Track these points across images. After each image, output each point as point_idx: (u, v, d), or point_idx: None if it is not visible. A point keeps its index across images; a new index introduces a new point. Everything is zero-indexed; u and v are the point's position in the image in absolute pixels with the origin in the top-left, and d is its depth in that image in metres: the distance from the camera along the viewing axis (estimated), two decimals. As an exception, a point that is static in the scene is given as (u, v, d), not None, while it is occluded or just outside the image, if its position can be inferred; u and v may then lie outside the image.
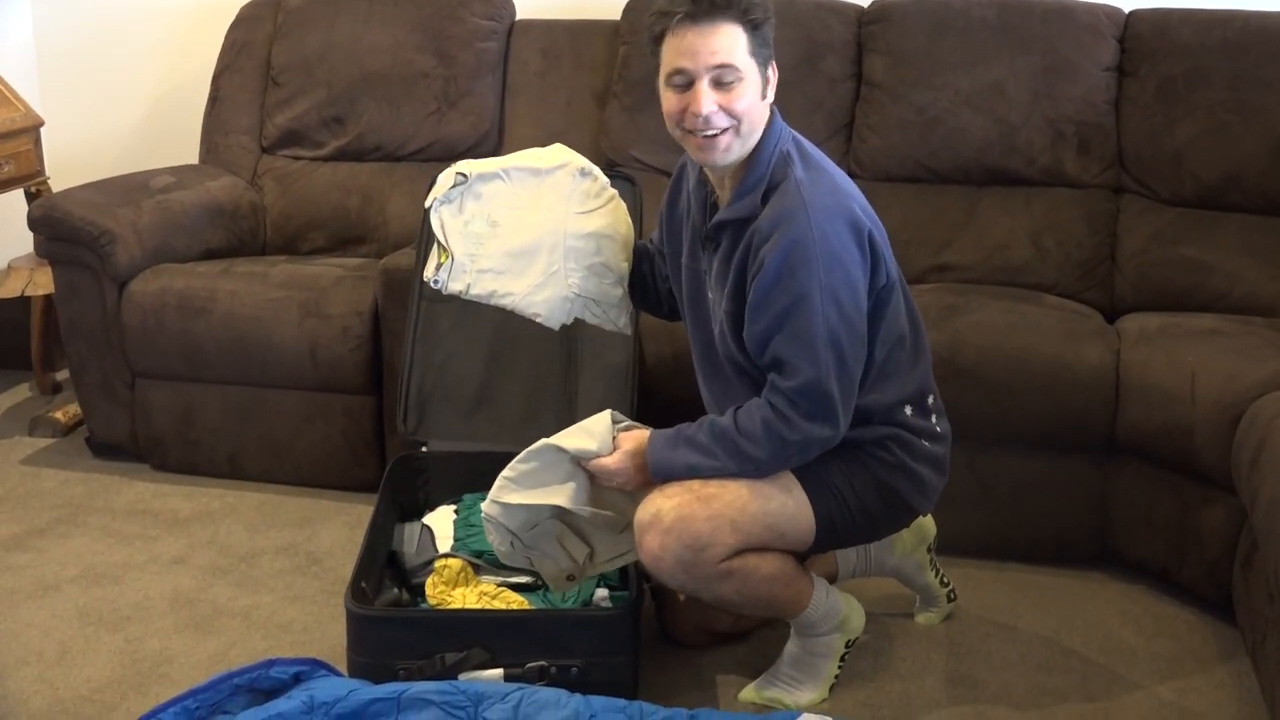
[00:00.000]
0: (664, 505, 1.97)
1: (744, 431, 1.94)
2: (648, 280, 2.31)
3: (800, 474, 2.02)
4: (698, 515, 1.95)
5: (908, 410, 2.06)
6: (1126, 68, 3.05)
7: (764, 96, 1.96)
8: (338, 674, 2.10)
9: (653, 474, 2.01)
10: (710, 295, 2.09)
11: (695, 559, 1.96)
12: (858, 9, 3.25)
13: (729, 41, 1.90)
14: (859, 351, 1.94)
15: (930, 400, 2.11)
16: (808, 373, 1.89)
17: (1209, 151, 2.93)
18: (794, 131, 2.04)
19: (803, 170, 1.96)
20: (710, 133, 1.93)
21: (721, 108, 1.91)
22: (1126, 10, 3.10)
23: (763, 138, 1.99)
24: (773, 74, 1.98)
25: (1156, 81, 2.99)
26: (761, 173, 1.97)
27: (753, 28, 1.91)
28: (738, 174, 2.00)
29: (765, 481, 2.00)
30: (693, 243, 2.12)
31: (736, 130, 1.93)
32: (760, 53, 1.93)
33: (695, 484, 1.99)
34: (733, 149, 1.95)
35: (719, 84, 1.91)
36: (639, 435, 2.06)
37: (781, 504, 2.00)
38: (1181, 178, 2.97)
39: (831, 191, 1.95)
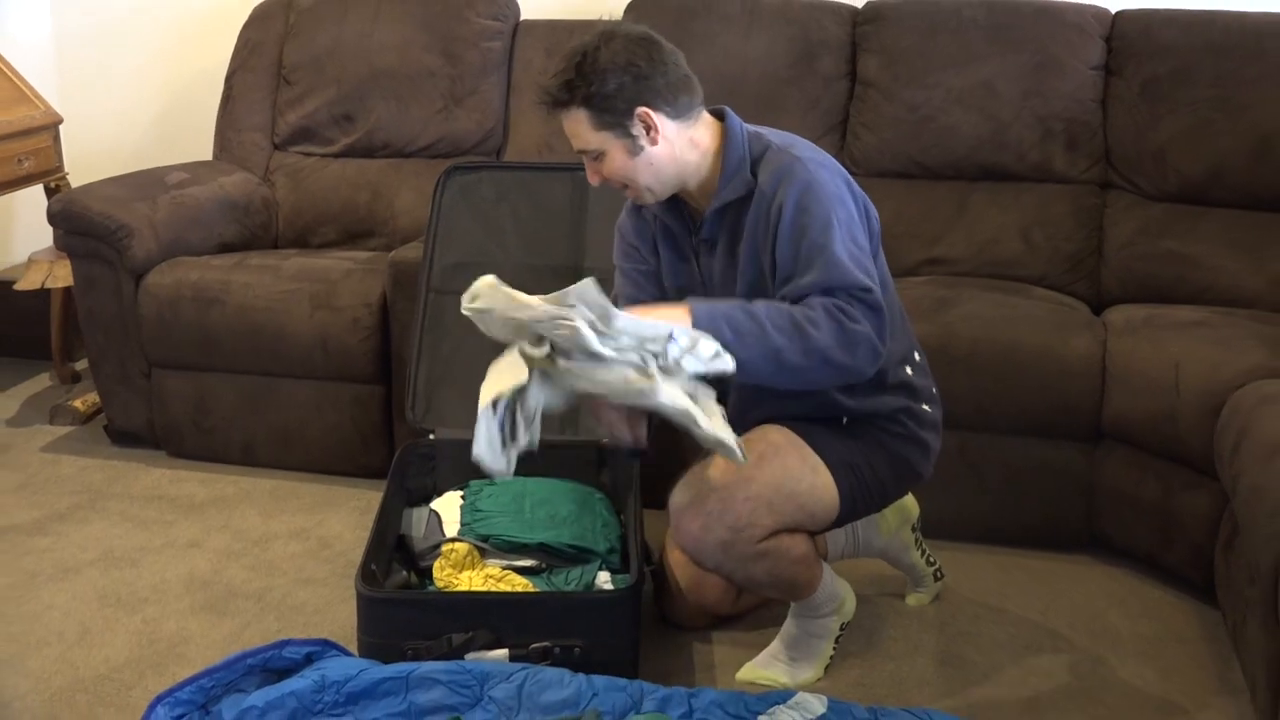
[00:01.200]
0: (705, 489, 1.98)
1: (806, 316, 1.82)
2: None
3: (825, 455, 2.03)
4: (736, 498, 1.96)
5: (908, 370, 2.09)
6: (1113, 66, 3.05)
7: (636, 153, 1.95)
8: (348, 654, 2.11)
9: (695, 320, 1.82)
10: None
11: (735, 539, 1.97)
12: (852, 9, 3.24)
13: (576, 127, 1.95)
14: (875, 280, 1.90)
15: (918, 357, 2.14)
16: (868, 290, 1.84)
17: (1193, 148, 2.92)
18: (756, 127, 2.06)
19: (777, 138, 2.00)
20: (620, 189, 2.03)
21: (603, 177, 2.00)
22: (1113, 11, 3.10)
23: (725, 135, 2.01)
24: (647, 120, 1.92)
25: (1142, 80, 2.99)
26: (740, 156, 1.98)
27: (587, 105, 1.91)
28: (714, 172, 2.01)
29: (793, 463, 2.01)
30: (675, 265, 2.12)
31: (627, 188, 2.01)
32: (611, 120, 1.92)
33: (729, 467, 1.98)
34: (645, 195, 2.02)
35: (592, 158, 1.99)
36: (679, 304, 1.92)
37: (811, 484, 2.01)
38: (1166, 173, 2.96)
39: (810, 147, 2.00)
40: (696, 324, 1.80)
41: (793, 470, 2.01)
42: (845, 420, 2.07)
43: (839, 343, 1.81)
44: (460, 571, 2.27)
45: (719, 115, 2.04)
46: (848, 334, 1.81)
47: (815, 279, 1.86)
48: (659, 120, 1.94)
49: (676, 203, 2.09)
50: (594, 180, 2.02)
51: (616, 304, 2.17)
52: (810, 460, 2.02)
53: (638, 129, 1.94)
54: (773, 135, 2.01)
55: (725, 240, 2.02)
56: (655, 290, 2.16)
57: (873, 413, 2.06)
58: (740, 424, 2.14)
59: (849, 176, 2.00)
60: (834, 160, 2.01)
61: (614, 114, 1.92)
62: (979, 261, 3.02)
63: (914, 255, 3.04)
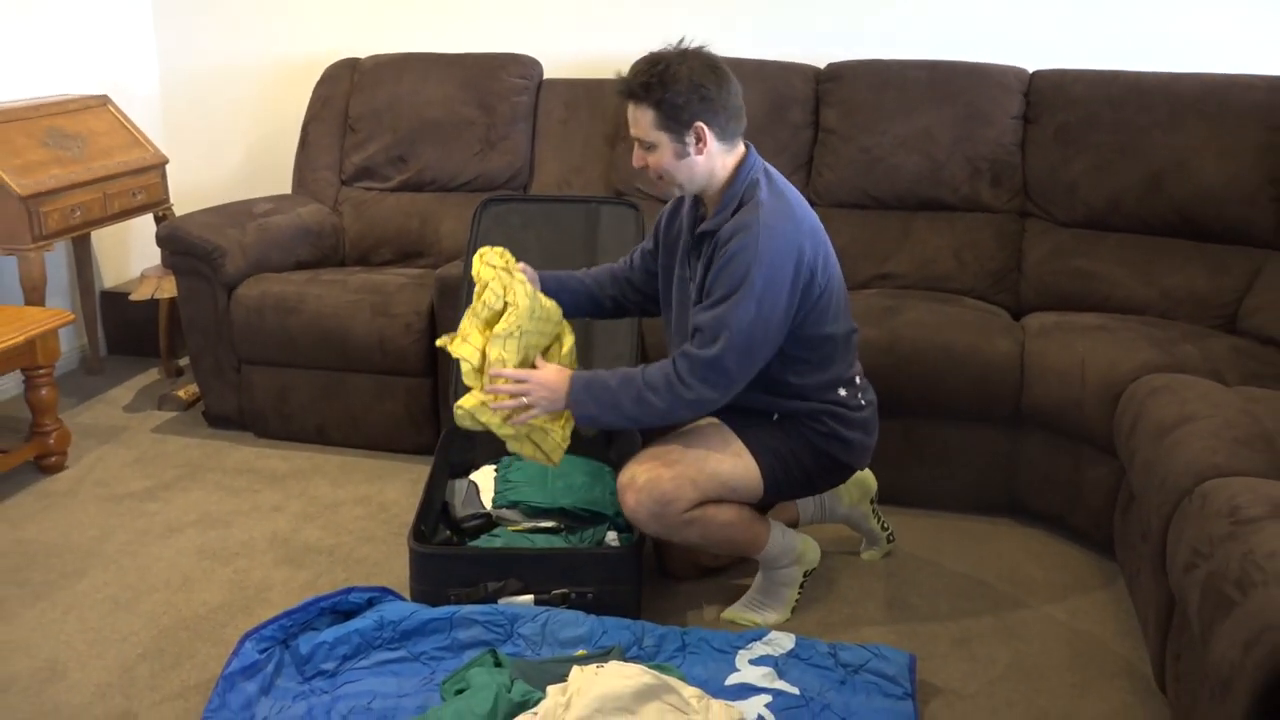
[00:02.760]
0: (638, 470, 1.99)
1: (649, 384, 1.91)
2: (618, 301, 2.27)
3: (748, 441, 2.02)
4: (664, 477, 1.96)
5: (841, 391, 2.06)
6: (1031, 116, 3.04)
7: (682, 156, 1.93)
8: (402, 599, 2.11)
9: (571, 407, 1.96)
10: (691, 298, 2.07)
11: (663, 511, 1.97)
12: (816, 69, 3.23)
13: (641, 119, 1.93)
14: (765, 346, 1.91)
15: (858, 380, 2.10)
16: (715, 349, 1.87)
17: (1096, 183, 2.91)
18: (767, 164, 2.01)
19: (767, 194, 1.94)
20: (652, 179, 2.00)
21: (646, 164, 1.97)
22: (1031, 70, 3.08)
23: (737, 169, 1.97)
24: (700, 134, 1.91)
25: (1055, 127, 2.98)
26: (735, 193, 1.96)
27: (657, 107, 1.89)
28: (718, 196, 1.99)
29: (717, 449, 2.01)
30: (683, 254, 2.10)
31: (661, 179, 1.98)
32: (671, 124, 1.90)
33: (661, 451, 2.00)
34: (670, 190, 2.01)
35: (644, 147, 1.96)
36: (564, 370, 2.00)
37: (732, 465, 2.01)
38: (1074, 204, 2.96)
39: (787, 218, 1.92)
40: (573, 395, 1.95)
41: (713, 453, 2.00)
42: (776, 416, 2.06)
43: (673, 406, 1.91)
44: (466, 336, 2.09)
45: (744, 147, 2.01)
46: (681, 399, 1.90)
47: (703, 320, 1.90)
48: (710, 137, 1.92)
49: (695, 211, 2.06)
50: (637, 163, 1.98)
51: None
52: (734, 446, 2.02)
53: (690, 138, 1.92)
54: (765, 189, 1.94)
55: (705, 258, 2.00)
56: (647, 272, 2.22)
57: (796, 413, 2.04)
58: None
59: (804, 253, 1.91)
60: (796, 224, 1.92)
61: (677, 121, 1.90)
62: (919, 277, 3.01)
63: (866, 272, 3.03)
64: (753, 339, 1.88)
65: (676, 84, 1.87)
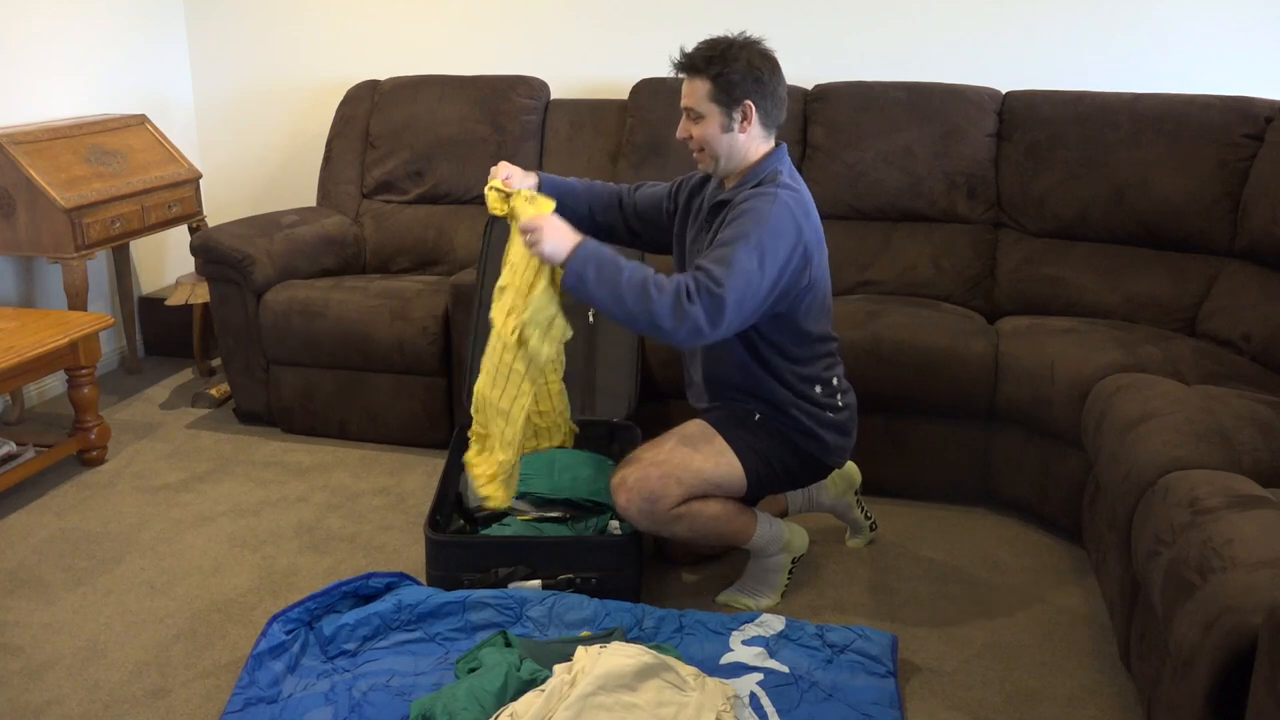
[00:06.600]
0: (628, 472, 1.98)
1: (658, 283, 1.80)
2: (606, 227, 2.20)
3: (732, 441, 2.01)
4: (651, 476, 1.95)
5: (817, 389, 2.04)
6: (1004, 134, 3.03)
7: (727, 130, 1.93)
8: (419, 584, 2.11)
9: (568, 264, 1.83)
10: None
11: (652, 508, 1.96)
12: (804, 90, 3.22)
13: (695, 90, 1.93)
14: (754, 302, 1.85)
15: (836, 381, 2.08)
16: (722, 288, 1.79)
17: (1065, 196, 2.91)
18: (793, 166, 2.01)
19: (787, 180, 1.95)
20: (692, 151, 1.99)
21: (691, 135, 1.96)
22: (1004, 91, 3.08)
23: (765, 157, 1.97)
24: (746, 113, 1.92)
25: (1026, 144, 2.97)
26: (756, 175, 1.96)
27: (714, 80, 1.91)
28: (741, 175, 1.99)
29: (702, 449, 1.99)
30: (698, 227, 2.08)
31: (702, 152, 1.97)
32: (724, 99, 1.91)
33: (649, 453, 1.99)
34: (708, 165, 1.99)
35: (692, 118, 1.95)
36: (576, 234, 1.87)
37: (715, 464, 1.99)
38: (1044, 216, 2.95)
39: (798, 204, 1.92)
40: (576, 256, 1.81)
41: (700, 452, 1.99)
42: (758, 417, 2.05)
43: (670, 311, 1.78)
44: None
45: (777, 142, 2.02)
46: (680, 308, 1.78)
47: (710, 259, 1.84)
48: (755, 118, 1.93)
49: (719, 190, 2.04)
50: (682, 134, 1.98)
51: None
52: (718, 445, 2.00)
53: (737, 115, 1.93)
54: (787, 176, 1.94)
55: (717, 225, 1.97)
56: (643, 216, 2.18)
57: (776, 414, 2.03)
58: (709, 396, 2.13)
59: (803, 237, 1.89)
60: (805, 212, 1.91)
61: (729, 95, 1.91)
62: (900, 283, 3.00)
63: (850, 278, 3.03)
64: (749, 289, 1.82)
65: (735, 63, 1.90)
